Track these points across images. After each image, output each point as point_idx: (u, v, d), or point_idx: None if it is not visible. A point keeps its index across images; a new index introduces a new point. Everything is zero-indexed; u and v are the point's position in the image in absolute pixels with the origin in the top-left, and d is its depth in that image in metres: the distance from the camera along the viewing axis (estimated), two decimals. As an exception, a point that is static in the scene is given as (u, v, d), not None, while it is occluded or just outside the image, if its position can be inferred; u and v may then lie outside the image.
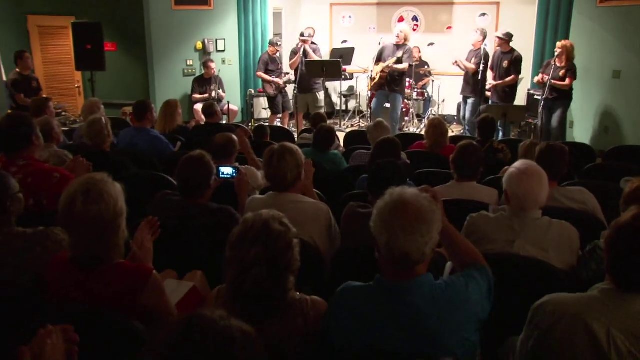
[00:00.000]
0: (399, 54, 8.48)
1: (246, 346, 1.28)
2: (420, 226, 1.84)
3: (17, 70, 8.26)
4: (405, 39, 8.58)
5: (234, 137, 4.32)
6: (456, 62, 8.80)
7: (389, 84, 8.64)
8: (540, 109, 7.75)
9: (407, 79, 9.11)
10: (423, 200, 1.90)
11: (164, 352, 1.25)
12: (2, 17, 9.14)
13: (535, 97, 8.43)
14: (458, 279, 1.98)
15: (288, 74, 9.82)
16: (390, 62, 8.46)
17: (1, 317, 2.15)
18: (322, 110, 8.71)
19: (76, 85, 10.07)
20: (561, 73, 7.46)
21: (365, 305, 1.93)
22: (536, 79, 7.98)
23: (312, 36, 9.94)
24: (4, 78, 8.14)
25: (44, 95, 7.84)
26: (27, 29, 10.23)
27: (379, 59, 8.71)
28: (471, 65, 8.50)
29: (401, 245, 1.83)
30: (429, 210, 1.88)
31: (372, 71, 8.99)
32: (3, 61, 8.26)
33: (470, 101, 8.67)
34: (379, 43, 9.12)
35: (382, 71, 8.62)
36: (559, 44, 7.56)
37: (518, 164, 2.98)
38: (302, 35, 9.36)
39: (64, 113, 8.47)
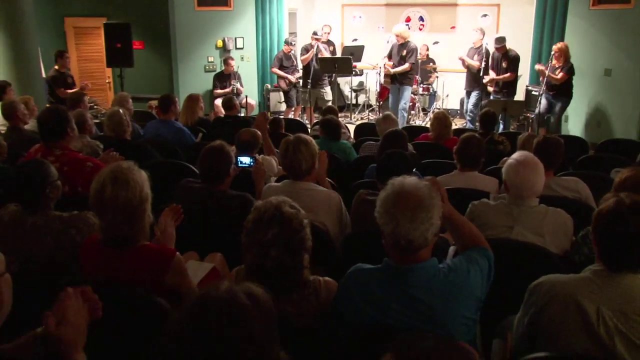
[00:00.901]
0: (403, 52, 8.58)
1: (258, 309, 1.27)
2: (420, 214, 1.83)
3: (56, 67, 8.33)
4: (404, 39, 8.62)
5: (258, 132, 4.34)
6: (461, 57, 8.80)
7: (397, 78, 8.72)
8: (537, 104, 7.72)
9: (415, 75, 9.12)
10: (422, 189, 1.89)
11: (184, 321, 1.25)
12: (42, 19, 9.18)
13: (533, 92, 8.43)
14: (460, 263, 1.96)
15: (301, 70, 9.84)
16: (388, 69, 8.73)
17: (41, 290, 2.17)
18: (330, 104, 8.75)
19: (107, 81, 10.13)
20: (557, 72, 7.48)
21: (373, 285, 1.93)
22: (537, 66, 8.02)
23: (329, 33, 9.93)
24: (44, 75, 8.19)
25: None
26: (64, 29, 10.31)
27: (390, 55, 8.84)
28: (475, 63, 8.52)
29: (405, 233, 1.83)
30: (428, 197, 1.87)
31: (380, 67, 9.03)
32: (42, 59, 8.31)
33: (473, 94, 8.70)
34: (387, 41, 9.13)
35: (386, 71, 8.84)
36: (555, 47, 7.57)
37: (516, 155, 2.96)
38: (314, 34, 9.35)
39: (95, 106, 8.52)
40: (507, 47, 8.22)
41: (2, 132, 5.00)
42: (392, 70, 8.71)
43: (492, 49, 8.41)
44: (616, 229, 1.88)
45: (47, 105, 6.70)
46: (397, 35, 8.67)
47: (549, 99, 7.74)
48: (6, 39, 7.07)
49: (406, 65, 8.55)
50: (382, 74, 9.46)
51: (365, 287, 1.95)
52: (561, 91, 7.62)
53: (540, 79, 7.85)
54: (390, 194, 1.91)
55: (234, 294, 1.27)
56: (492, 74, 8.39)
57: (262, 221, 1.95)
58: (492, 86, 8.44)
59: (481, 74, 8.37)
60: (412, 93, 9.38)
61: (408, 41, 8.63)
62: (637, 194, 2.71)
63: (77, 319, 1.55)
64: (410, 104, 9.32)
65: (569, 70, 7.45)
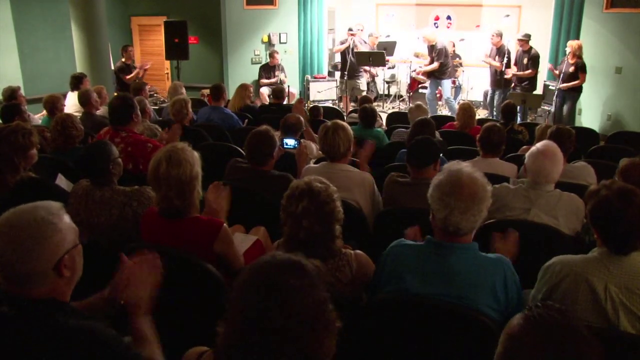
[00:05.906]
0: (433, 54, 8.51)
1: (317, 272, 1.24)
2: (473, 207, 1.80)
3: (122, 60, 8.52)
4: (430, 42, 8.47)
5: (301, 118, 4.34)
6: (485, 60, 8.62)
7: (434, 74, 8.65)
8: (554, 98, 7.63)
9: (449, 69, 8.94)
10: (478, 180, 1.83)
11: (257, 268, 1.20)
12: (112, 18, 9.35)
13: (550, 87, 8.28)
14: (496, 262, 1.87)
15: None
16: (422, 68, 8.86)
17: (107, 255, 2.22)
18: (364, 94, 8.64)
19: (165, 72, 10.26)
20: (571, 69, 7.34)
21: (415, 258, 1.90)
22: (550, 66, 7.97)
23: (362, 30, 9.80)
24: (112, 67, 8.36)
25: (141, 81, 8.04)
26: (130, 27, 10.53)
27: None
28: (496, 64, 8.31)
29: (456, 222, 1.80)
30: (482, 189, 1.82)
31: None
32: (111, 53, 8.48)
33: (498, 92, 8.50)
34: (418, 38, 8.97)
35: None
36: (569, 43, 7.47)
37: (539, 144, 2.89)
38: (350, 30, 9.22)
39: (155, 95, 8.65)
40: (530, 45, 8.06)
41: (78, 117, 5.13)
42: (424, 69, 8.81)
43: (514, 46, 8.18)
44: (611, 219, 1.84)
45: (115, 93, 6.83)
46: (423, 37, 8.61)
47: (562, 95, 7.62)
48: (82, 37, 7.30)
49: (434, 65, 8.44)
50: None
51: (405, 259, 1.91)
52: (573, 87, 7.53)
53: (555, 73, 7.75)
54: (446, 181, 1.85)
55: (294, 256, 1.24)
56: (514, 69, 8.21)
57: (294, 196, 1.97)
58: (514, 80, 8.26)
59: (502, 72, 8.18)
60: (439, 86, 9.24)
61: (434, 44, 8.46)
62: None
63: (141, 285, 1.54)
64: (437, 95, 9.17)
65: (584, 69, 7.35)
